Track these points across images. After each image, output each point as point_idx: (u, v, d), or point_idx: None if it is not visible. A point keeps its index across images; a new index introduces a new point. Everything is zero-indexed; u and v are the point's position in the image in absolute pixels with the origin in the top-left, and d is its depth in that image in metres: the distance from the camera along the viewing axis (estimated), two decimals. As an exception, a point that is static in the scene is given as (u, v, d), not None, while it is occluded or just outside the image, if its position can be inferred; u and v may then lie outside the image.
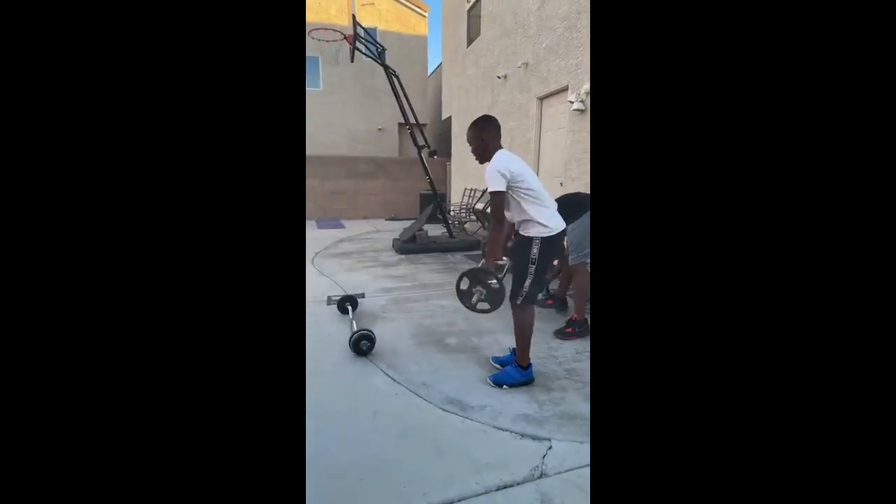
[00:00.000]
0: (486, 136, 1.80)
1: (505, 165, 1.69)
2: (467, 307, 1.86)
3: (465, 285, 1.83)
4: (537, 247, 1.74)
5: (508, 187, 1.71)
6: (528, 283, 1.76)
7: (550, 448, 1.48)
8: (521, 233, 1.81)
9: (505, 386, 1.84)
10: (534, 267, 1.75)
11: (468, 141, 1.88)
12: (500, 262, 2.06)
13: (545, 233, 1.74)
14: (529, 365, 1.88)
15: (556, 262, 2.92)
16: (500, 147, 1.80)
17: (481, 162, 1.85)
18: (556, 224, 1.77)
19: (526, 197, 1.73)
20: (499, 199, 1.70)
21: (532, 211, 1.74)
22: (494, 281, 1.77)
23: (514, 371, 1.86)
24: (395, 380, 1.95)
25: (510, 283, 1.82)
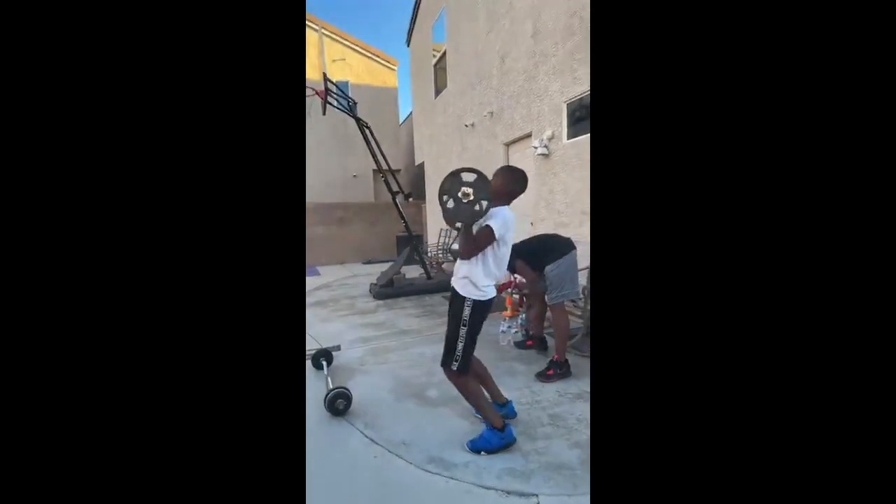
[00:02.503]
0: (508, 189, 1.78)
1: (506, 224, 1.66)
2: (465, 220, 1.62)
3: (451, 203, 1.62)
4: (469, 309, 1.67)
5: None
6: (460, 346, 1.68)
7: (538, 505, 1.42)
8: (456, 288, 1.73)
9: (483, 453, 1.71)
10: (465, 329, 1.68)
11: (496, 180, 1.78)
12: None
13: (479, 297, 1.68)
14: (505, 425, 1.76)
15: (528, 302, 2.95)
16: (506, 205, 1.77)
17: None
18: (491, 292, 1.72)
19: (487, 256, 1.67)
20: (485, 232, 1.61)
21: (478, 272, 1.67)
22: (467, 173, 1.59)
23: (491, 435, 1.73)
24: (373, 440, 1.85)
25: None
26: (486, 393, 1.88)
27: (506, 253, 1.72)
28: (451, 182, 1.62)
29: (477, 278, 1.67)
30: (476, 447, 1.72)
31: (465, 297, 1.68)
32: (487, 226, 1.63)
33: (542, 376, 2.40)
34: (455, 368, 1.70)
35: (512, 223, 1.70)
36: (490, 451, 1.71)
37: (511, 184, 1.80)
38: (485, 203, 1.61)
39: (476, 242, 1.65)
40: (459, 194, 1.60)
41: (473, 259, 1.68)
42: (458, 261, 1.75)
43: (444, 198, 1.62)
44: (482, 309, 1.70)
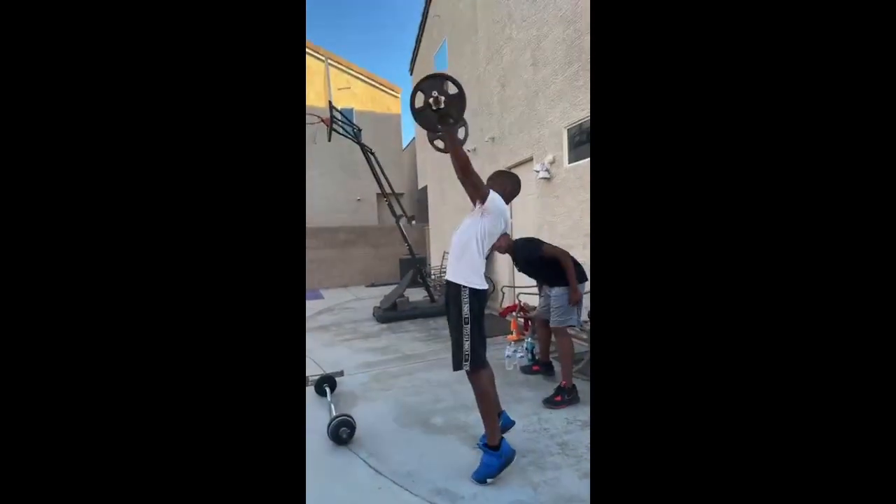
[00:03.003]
0: (504, 191, 1.84)
1: (502, 207, 1.73)
2: (425, 126, 1.59)
3: (419, 101, 1.55)
4: (466, 302, 1.66)
5: (486, 216, 1.68)
6: (467, 344, 1.66)
7: (549, 541, 1.36)
8: (449, 278, 1.73)
9: (489, 480, 1.67)
10: (468, 326, 1.66)
11: (492, 184, 1.83)
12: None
13: (475, 285, 1.68)
14: (501, 440, 1.71)
15: (532, 326, 2.92)
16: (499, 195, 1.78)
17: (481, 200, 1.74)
18: (483, 283, 1.73)
19: (487, 240, 1.71)
20: (477, 180, 1.64)
21: (470, 261, 1.69)
22: (451, 84, 1.54)
23: (490, 459, 1.69)
24: (377, 471, 1.81)
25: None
26: (497, 403, 1.83)
27: (489, 244, 1.76)
28: (431, 83, 1.54)
29: (469, 269, 1.69)
30: (480, 477, 1.68)
31: (460, 286, 1.68)
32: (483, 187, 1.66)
33: (550, 402, 2.36)
34: (469, 368, 1.68)
35: (503, 207, 1.74)
36: (494, 476, 1.68)
37: (508, 185, 1.87)
38: (452, 122, 1.56)
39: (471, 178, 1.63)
40: (430, 99, 1.52)
41: (465, 246, 1.70)
42: (450, 258, 1.79)
43: (417, 94, 1.53)
44: (476, 297, 1.69)
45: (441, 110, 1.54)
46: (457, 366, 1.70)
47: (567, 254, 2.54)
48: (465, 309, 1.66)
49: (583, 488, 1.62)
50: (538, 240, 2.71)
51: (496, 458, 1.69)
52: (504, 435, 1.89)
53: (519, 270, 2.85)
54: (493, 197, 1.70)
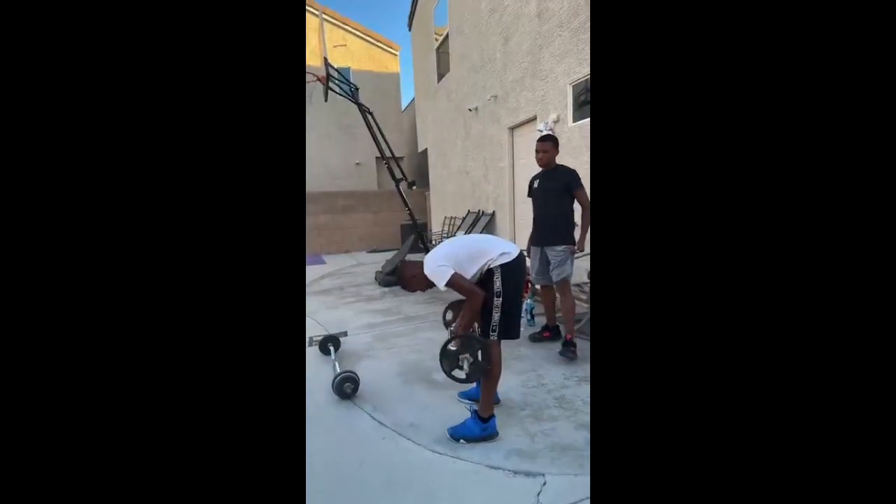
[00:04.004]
0: (408, 275, 1.82)
1: (436, 262, 1.67)
2: (444, 370, 1.70)
3: (454, 346, 1.67)
4: (499, 278, 1.66)
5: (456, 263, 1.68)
6: (496, 316, 1.67)
7: (545, 484, 1.44)
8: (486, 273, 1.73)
9: (462, 441, 1.68)
10: (499, 300, 1.66)
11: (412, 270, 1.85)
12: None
13: (504, 259, 1.68)
14: (491, 417, 1.72)
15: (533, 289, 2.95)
16: (418, 263, 1.79)
17: (422, 289, 1.82)
18: (512, 249, 1.72)
19: (475, 260, 1.70)
20: (455, 278, 1.62)
21: (485, 257, 1.69)
22: (483, 355, 1.66)
23: (474, 424, 1.70)
24: (381, 422, 1.88)
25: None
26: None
27: (468, 248, 1.73)
28: (448, 361, 1.67)
29: (489, 258, 1.68)
30: (456, 434, 1.70)
31: (492, 269, 1.67)
32: (444, 285, 1.63)
33: (567, 353, 2.42)
34: (493, 337, 1.70)
35: (436, 259, 1.69)
36: (469, 440, 1.68)
37: (416, 270, 1.80)
38: (481, 352, 1.65)
39: (459, 288, 1.65)
40: (462, 363, 1.66)
41: (471, 264, 1.70)
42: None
43: (456, 372, 1.67)
44: (511, 270, 1.68)
45: (461, 370, 1.68)
46: (483, 335, 1.72)
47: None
48: (498, 284, 1.67)
49: (579, 438, 1.69)
50: (579, 179, 2.53)
51: (480, 428, 1.69)
52: (500, 397, 1.96)
53: (528, 194, 2.71)
54: (449, 274, 1.63)
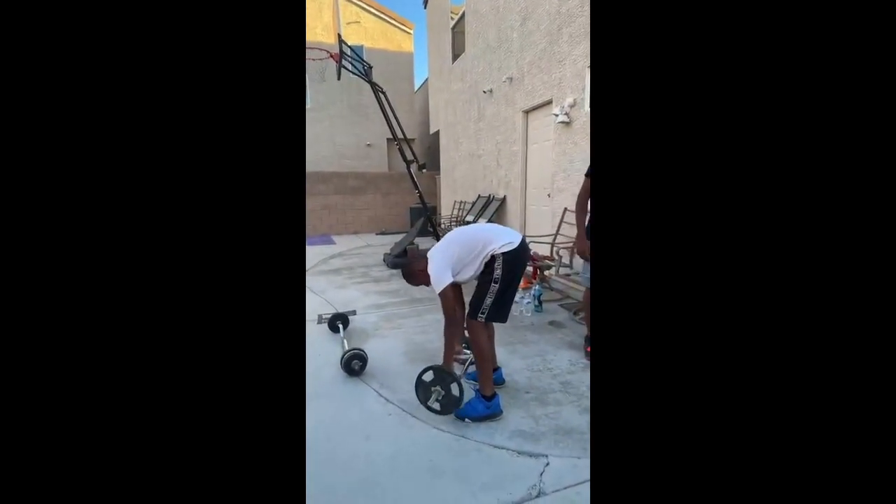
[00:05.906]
0: (415, 269, 1.85)
1: (440, 267, 1.71)
2: (419, 399, 1.74)
3: (428, 377, 1.72)
4: (500, 266, 1.69)
5: (460, 261, 1.74)
6: (488, 300, 1.71)
7: (548, 465, 1.46)
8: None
9: (467, 420, 1.71)
10: (496, 286, 1.69)
11: (409, 282, 1.94)
12: (461, 357, 2.04)
13: (507, 248, 1.70)
14: (494, 395, 1.75)
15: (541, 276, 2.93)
16: (425, 257, 1.81)
17: (426, 284, 1.82)
18: (515, 239, 1.74)
19: (479, 255, 1.73)
20: (445, 292, 1.68)
21: (489, 247, 1.72)
22: (456, 388, 1.68)
23: (478, 403, 1.73)
24: (388, 399, 1.92)
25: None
26: (495, 359, 1.90)
27: (467, 244, 1.76)
28: (423, 390, 1.73)
29: (491, 248, 1.72)
30: (462, 414, 1.72)
31: (494, 257, 1.71)
32: (439, 294, 1.71)
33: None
34: (478, 318, 1.73)
35: (441, 259, 1.74)
36: (474, 419, 1.71)
37: (411, 266, 1.89)
38: (455, 386, 1.69)
39: (445, 307, 1.73)
40: (434, 396, 1.70)
41: (475, 259, 1.74)
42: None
43: (430, 402, 1.72)
44: (513, 258, 1.70)
45: (436, 402, 1.72)
46: (471, 314, 1.76)
47: (579, 202, 2.42)
48: (498, 272, 1.70)
49: (582, 422, 1.70)
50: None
51: (484, 406, 1.72)
52: (504, 378, 1.99)
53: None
54: (436, 277, 1.71)
